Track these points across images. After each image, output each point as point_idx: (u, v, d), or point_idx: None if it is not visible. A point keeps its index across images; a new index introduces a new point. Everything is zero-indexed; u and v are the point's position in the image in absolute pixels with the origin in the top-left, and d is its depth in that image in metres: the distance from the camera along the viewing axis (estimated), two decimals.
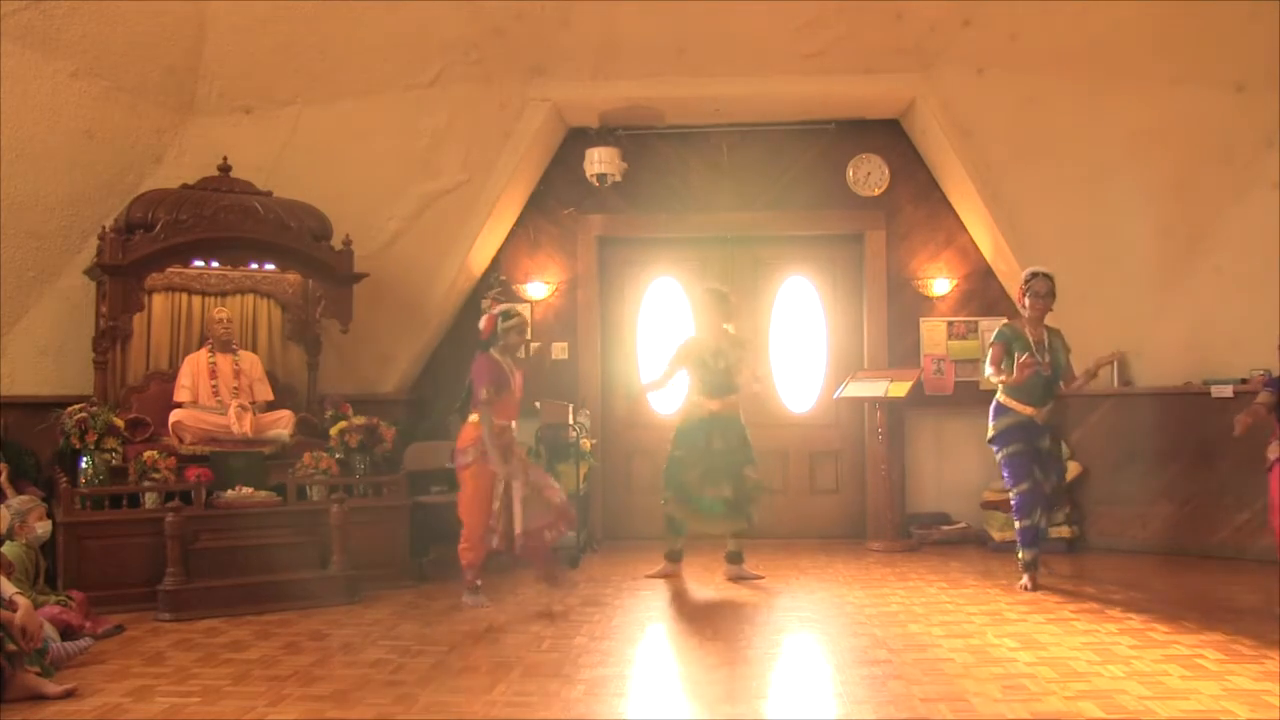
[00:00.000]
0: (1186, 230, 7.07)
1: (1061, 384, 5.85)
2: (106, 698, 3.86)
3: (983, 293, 7.80)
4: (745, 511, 6.08)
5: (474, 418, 5.48)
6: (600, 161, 7.54)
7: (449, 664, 4.31)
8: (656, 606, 5.57)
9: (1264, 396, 5.23)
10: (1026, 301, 5.79)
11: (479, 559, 5.54)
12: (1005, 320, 6.50)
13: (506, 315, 5.63)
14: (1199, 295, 7.12)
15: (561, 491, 5.68)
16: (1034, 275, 5.80)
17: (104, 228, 6.07)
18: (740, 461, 6.11)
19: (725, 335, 6.27)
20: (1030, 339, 5.75)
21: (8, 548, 4.75)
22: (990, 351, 5.88)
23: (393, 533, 6.16)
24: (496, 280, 7.89)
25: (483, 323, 5.65)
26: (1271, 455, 5.19)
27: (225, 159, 6.48)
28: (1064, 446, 6.03)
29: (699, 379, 6.22)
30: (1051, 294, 5.77)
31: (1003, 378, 5.78)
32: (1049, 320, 5.90)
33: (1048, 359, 5.73)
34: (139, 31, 5.98)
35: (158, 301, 6.58)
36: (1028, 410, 5.74)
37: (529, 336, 5.84)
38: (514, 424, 5.65)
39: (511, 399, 5.58)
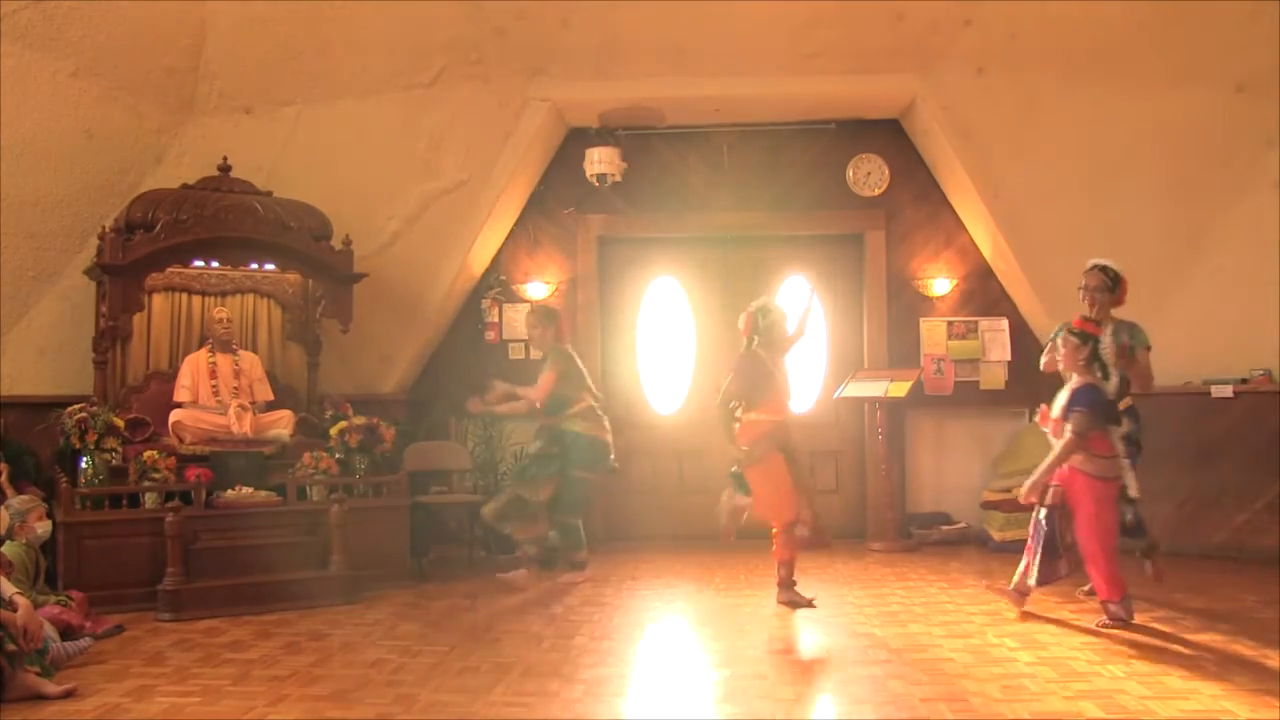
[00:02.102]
0: (1186, 230, 7.07)
1: (1134, 386, 5.30)
2: (106, 698, 3.86)
3: (983, 293, 7.81)
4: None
5: (752, 415, 5.29)
6: (600, 161, 7.54)
7: (449, 664, 4.31)
8: (656, 606, 5.57)
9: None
10: (1081, 297, 5.43)
11: (794, 555, 5.37)
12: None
13: (764, 312, 5.43)
14: (1199, 295, 7.11)
15: (816, 513, 5.48)
16: (1088, 269, 5.41)
17: (104, 228, 6.07)
18: (544, 473, 6.11)
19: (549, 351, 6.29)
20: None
21: (8, 547, 4.75)
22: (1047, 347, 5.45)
23: (393, 533, 6.16)
24: (496, 280, 7.90)
25: (742, 322, 5.48)
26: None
27: (225, 159, 6.48)
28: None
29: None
30: (1104, 287, 5.33)
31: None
32: (1125, 314, 5.42)
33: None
34: (139, 31, 5.98)
35: (158, 301, 6.59)
36: None
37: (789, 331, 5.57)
38: (786, 418, 5.42)
39: (776, 395, 5.36)
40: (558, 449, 6.08)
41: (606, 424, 6.27)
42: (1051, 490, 4.98)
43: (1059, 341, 5.14)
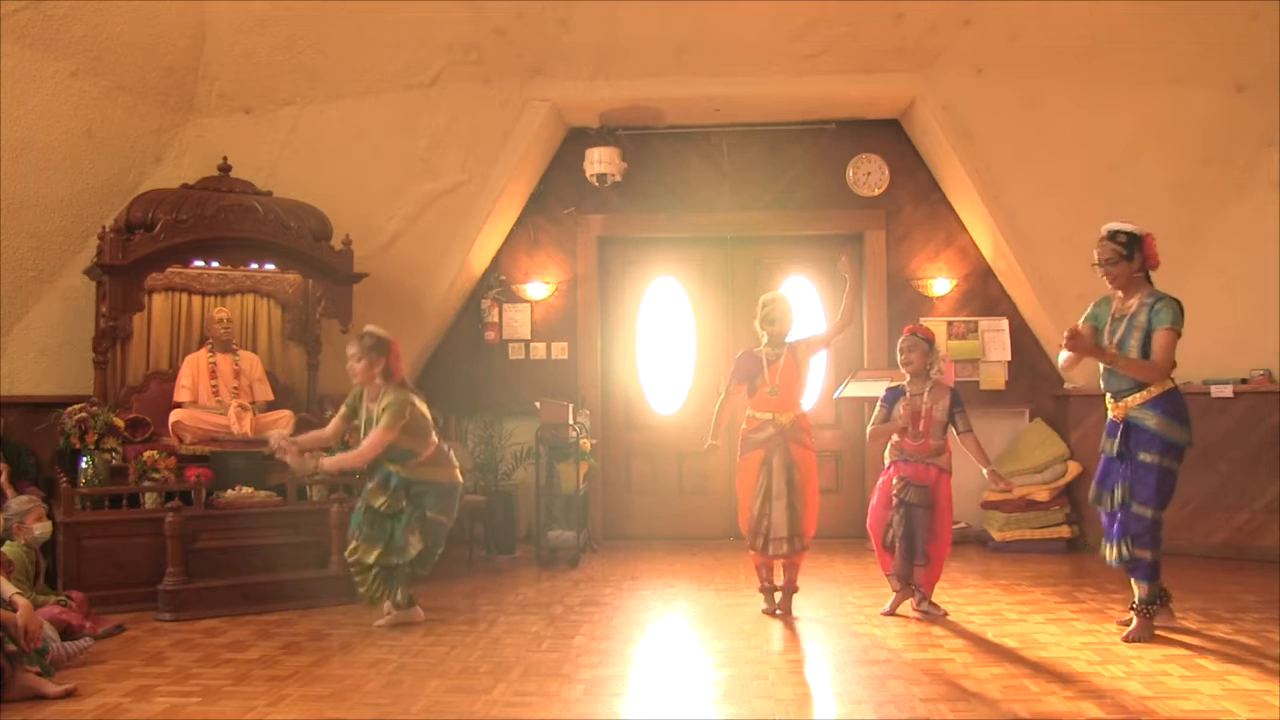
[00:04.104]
0: (1186, 230, 7.07)
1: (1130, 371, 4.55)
2: (106, 698, 3.86)
3: (983, 293, 7.81)
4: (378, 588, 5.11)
5: (748, 410, 5.21)
6: (600, 161, 7.55)
7: (449, 664, 4.31)
8: (656, 606, 5.57)
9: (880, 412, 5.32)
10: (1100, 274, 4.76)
11: (757, 562, 5.22)
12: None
13: (765, 305, 5.25)
14: (1199, 295, 7.07)
15: (810, 519, 5.14)
16: (1099, 239, 4.72)
17: (104, 228, 6.07)
18: (402, 527, 5.08)
19: (385, 393, 5.10)
20: (1112, 312, 4.74)
21: (8, 548, 4.75)
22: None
23: None
24: (496, 280, 7.91)
25: (756, 319, 5.34)
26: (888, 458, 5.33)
27: (225, 159, 6.48)
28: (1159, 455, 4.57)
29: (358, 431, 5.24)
30: (1116, 257, 4.60)
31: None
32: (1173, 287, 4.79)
33: (1117, 339, 4.62)
34: (139, 31, 5.98)
35: (158, 301, 6.58)
36: (1108, 406, 4.76)
37: (786, 322, 5.22)
38: (780, 416, 5.13)
39: (761, 392, 5.16)
40: (405, 502, 5.10)
41: (455, 460, 5.35)
42: (917, 489, 5.12)
43: (906, 345, 5.24)
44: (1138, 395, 4.59)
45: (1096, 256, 4.70)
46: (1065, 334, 4.61)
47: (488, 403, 7.80)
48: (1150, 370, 4.54)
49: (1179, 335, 4.56)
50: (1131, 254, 4.63)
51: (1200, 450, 6.81)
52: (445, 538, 5.25)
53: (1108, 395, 4.76)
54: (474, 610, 5.44)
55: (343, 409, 5.28)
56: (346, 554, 5.18)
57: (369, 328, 5.20)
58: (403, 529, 5.06)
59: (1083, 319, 4.86)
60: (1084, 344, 4.59)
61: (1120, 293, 4.73)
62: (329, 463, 5.13)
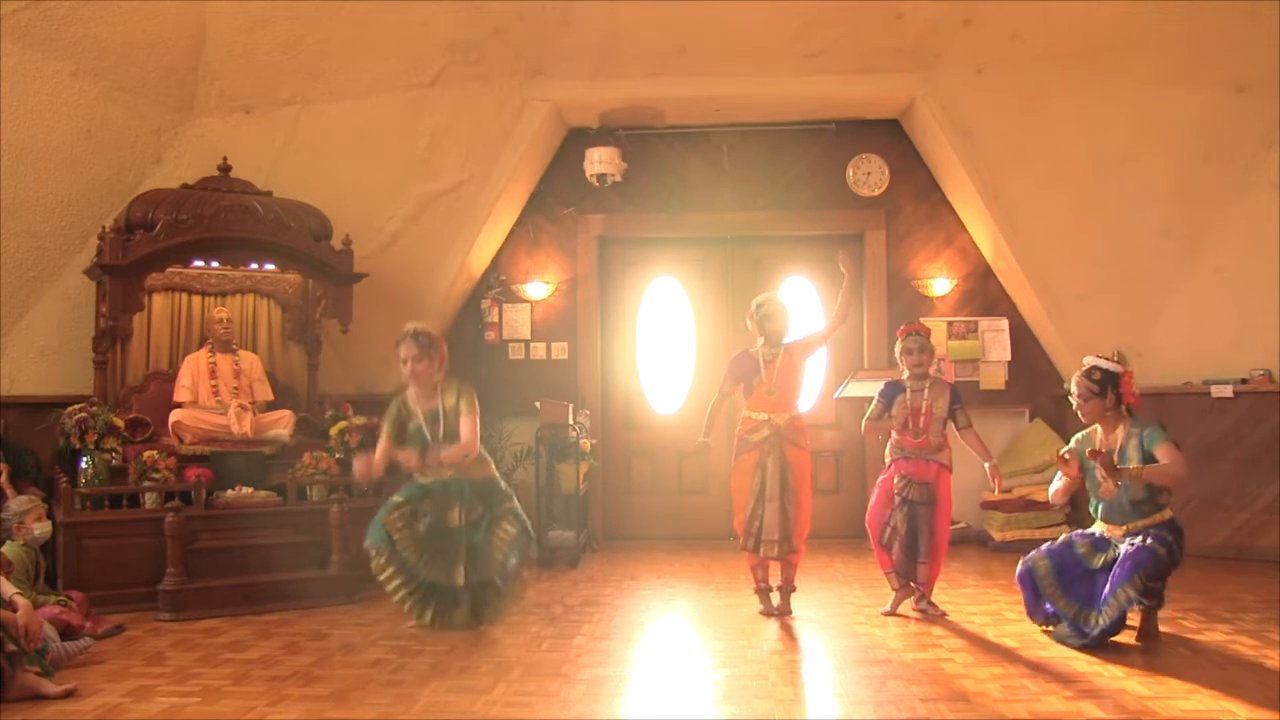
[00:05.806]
0: (1186, 230, 7.07)
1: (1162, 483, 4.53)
2: (106, 698, 3.86)
3: (983, 293, 7.81)
4: (488, 608, 4.90)
5: (743, 411, 5.23)
6: (600, 161, 7.55)
7: (449, 664, 4.32)
8: (656, 607, 5.57)
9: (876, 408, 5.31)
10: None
11: (752, 563, 5.24)
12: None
13: (760, 306, 5.22)
14: (1199, 295, 7.12)
15: (804, 520, 5.13)
16: (1077, 374, 4.74)
17: (104, 228, 6.07)
18: (485, 538, 4.83)
19: (446, 386, 4.95)
20: (1101, 446, 4.67)
21: (8, 548, 4.75)
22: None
23: None
24: (496, 280, 7.91)
25: (748, 320, 5.29)
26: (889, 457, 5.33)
27: (225, 159, 6.48)
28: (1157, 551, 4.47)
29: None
30: (1088, 394, 4.62)
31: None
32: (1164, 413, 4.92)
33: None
34: (139, 31, 5.98)
35: (158, 301, 6.58)
36: (1104, 526, 4.72)
37: (782, 324, 5.20)
38: (776, 417, 5.13)
39: (758, 392, 5.15)
40: (480, 504, 4.90)
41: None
42: (919, 486, 5.13)
43: (916, 346, 5.22)
44: (1141, 522, 4.57)
45: (1073, 389, 4.72)
46: (1058, 457, 4.66)
47: (488, 403, 7.69)
48: (1171, 475, 4.48)
49: (1178, 446, 4.52)
50: (1105, 391, 4.62)
51: (1200, 450, 6.87)
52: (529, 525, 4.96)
53: (1105, 520, 4.70)
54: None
55: (386, 428, 4.86)
56: (402, 602, 4.74)
57: (416, 325, 4.90)
58: (485, 530, 4.80)
59: (1065, 450, 4.82)
60: (1103, 461, 4.48)
61: (1100, 428, 4.71)
62: (447, 455, 4.80)
